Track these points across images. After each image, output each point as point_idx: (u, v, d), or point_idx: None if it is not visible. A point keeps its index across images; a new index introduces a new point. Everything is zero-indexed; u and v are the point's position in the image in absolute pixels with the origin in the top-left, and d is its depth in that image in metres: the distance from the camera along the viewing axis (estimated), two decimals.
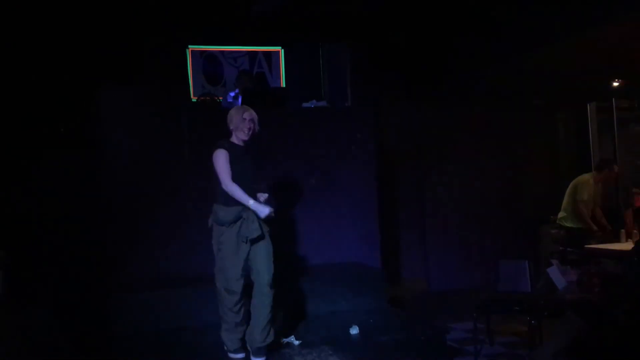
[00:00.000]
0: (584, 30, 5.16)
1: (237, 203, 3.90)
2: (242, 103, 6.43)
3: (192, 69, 7.44)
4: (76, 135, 6.03)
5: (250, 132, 4.04)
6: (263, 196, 4.06)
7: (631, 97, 7.90)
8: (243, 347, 4.08)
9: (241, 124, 4.01)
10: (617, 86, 7.19)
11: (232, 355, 4.08)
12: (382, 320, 4.89)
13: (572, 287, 4.40)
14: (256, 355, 3.99)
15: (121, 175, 5.50)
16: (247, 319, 4.04)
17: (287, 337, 4.34)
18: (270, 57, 7.74)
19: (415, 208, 7.80)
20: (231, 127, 4.07)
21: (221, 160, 3.93)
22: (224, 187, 3.91)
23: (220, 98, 6.68)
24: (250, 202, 3.89)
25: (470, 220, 7.73)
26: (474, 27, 6.22)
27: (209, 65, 7.53)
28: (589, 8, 4.91)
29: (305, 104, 6.30)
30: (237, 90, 6.67)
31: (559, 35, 5.44)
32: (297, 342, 4.24)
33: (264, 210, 3.90)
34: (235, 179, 3.92)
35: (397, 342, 4.34)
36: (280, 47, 7.74)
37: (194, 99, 7.15)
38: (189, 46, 7.43)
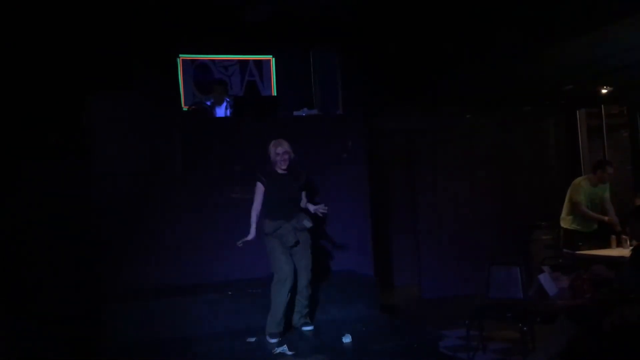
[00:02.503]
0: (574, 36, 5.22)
1: (279, 218, 4.73)
2: (234, 112, 6.45)
3: (183, 78, 7.44)
4: (67, 143, 6.00)
5: (287, 162, 4.77)
6: (305, 219, 4.78)
7: (620, 103, 7.98)
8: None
9: (277, 158, 4.76)
10: (606, 92, 7.26)
11: (268, 339, 4.61)
12: (375, 328, 4.88)
13: (564, 293, 4.41)
14: (306, 326, 4.86)
15: (112, 183, 5.48)
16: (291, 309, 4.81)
17: (280, 346, 4.32)
18: (261, 65, 7.76)
19: (407, 215, 7.82)
20: (271, 160, 4.79)
21: (257, 193, 4.77)
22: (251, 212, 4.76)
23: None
24: (251, 229, 4.72)
25: (462, 227, 7.74)
26: (464, 33, 6.26)
27: (200, 74, 7.53)
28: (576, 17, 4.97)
29: (296, 112, 6.31)
30: (227, 99, 6.67)
31: (548, 41, 5.49)
32: (290, 352, 4.23)
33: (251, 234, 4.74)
34: (274, 201, 4.74)
35: (390, 349, 4.33)
36: (271, 56, 7.76)
37: (185, 108, 7.15)
38: (180, 55, 7.44)
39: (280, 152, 4.73)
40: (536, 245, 7.63)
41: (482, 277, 5.13)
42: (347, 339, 4.47)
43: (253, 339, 4.63)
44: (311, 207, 4.87)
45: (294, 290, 4.73)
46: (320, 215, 4.85)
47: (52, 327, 4.93)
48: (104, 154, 5.52)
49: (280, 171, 4.79)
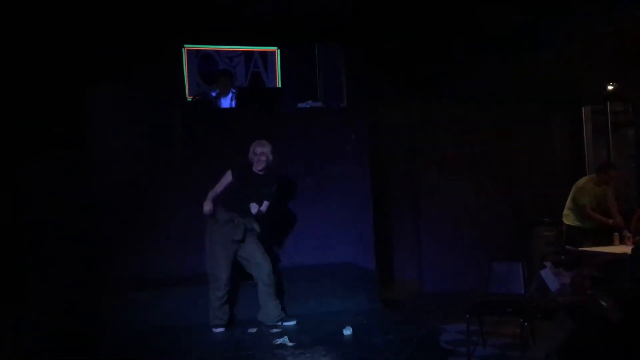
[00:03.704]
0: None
1: (234, 210, 4.70)
2: (238, 103, 6.44)
3: (188, 69, 7.43)
4: (69, 134, 6.00)
5: (263, 163, 4.75)
6: (254, 207, 4.72)
7: (625, 100, 7.94)
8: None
9: (253, 157, 4.75)
10: (612, 89, 7.22)
11: (213, 329, 4.70)
12: (376, 321, 4.89)
13: (565, 289, 4.41)
14: (285, 321, 4.79)
15: (114, 174, 5.49)
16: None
17: (280, 337, 4.34)
18: (266, 57, 7.74)
19: (409, 209, 7.81)
20: (249, 158, 4.78)
21: (222, 181, 4.75)
22: (208, 195, 4.70)
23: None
24: (207, 205, 4.68)
25: (463, 222, 7.73)
26: (469, 28, 6.24)
27: (205, 64, 7.51)
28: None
29: (300, 104, 6.30)
30: (233, 90, 6.66)
31: (551, 39, 5.47)
32: (290, 344, 4.24)
33: (254, 208, 4.70)
34: (237, 195, 4.71)
35: (390, 343, 4.34)
36: (276, 47, 7.74)
37: (189, 99, 7.14)
38: (185, 45, 7.42)
39: (257, 152, 4.75)
40: (538, 242, 7.62)
41: (483, 272, 5.13)
42: (347, 332, 4.48)
43: (254, 330, 4.65)
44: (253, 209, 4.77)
45: (256, 288, 4.79)
46: (252, 210, 4.72)
47: (51, 319, 4.95)
48: (105, 145, 5.53)
49: (255, 170, 4.79)
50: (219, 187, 4.75)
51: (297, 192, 5.83)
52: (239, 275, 5.39)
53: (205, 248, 4.80)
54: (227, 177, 4.76)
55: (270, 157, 4.78)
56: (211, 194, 4.71)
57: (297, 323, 4.81)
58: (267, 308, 4.79)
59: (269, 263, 4.80)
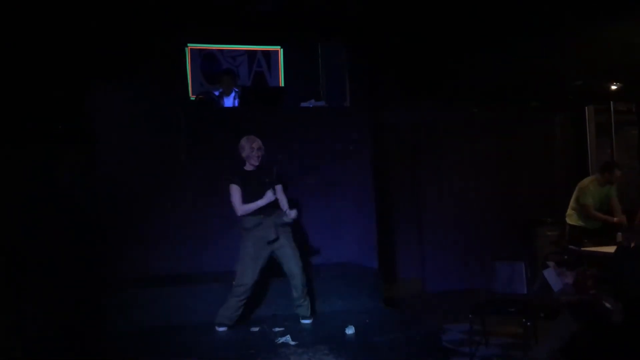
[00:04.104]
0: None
1: (258, 213, 4.71)
2: (241, 102, 6.44)
3: (191, 68, 7.43)
4: (72, 132, 6.01)
5: (261, 158, 4.79)
6: (268, 194, 4.67)
7: (629, 100, 7.92)
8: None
9: (252, 153, 4.75)
10: (615, 89, 7.21)
11: (217, 327, 4.73)
12: (378, 321, 4.89)
13: (568, 288, 4.41)
14: (304, 319, 4.87)
15: (117, 172, 5.50)
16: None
17: (283, 336, 4.34)
18: (269, 56, 7.74)
19: (411, 208, 7.80)
20: (243, 155, 4.78)
21: (234, 196, 4.74)
22: (238, 214, 4.73)
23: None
24: (259, 203, 4.66)
25: (466, 221, 7.73)
26: (471, 28, 6.23)
27: (208, 64, 7.52)
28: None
29: (303, 104, 6.31)
30: (236, 90, 6.67)
31: (558, 36, 5.46)
32: (293, 343, 4.24)
33: (290, 213, 4.70)
34: (249, 200, 4.68)
35: (393, 342, 4.34)
36: (279, 47, 7.74)
37: (192, 98, 7.15)
38: (188, 44, 7.43)
39: (255, 147, 4.74)
40: (541, 241, 7.61)
41: (486, 271, 5.13)
42: (350, 331, 4.49)
43: (256, 329, 4.66)
44: (283, 206, 4.79)
45: (288, 284, 4.79)
46: (287, 219, 4.74)
47: (52, 317, 4.96)
48: (107, 143, 5.54)
49: (249, 168, 4.80)
50: (238, 202, 4.72)
51: (299, 191, 5.82)
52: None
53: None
54: (235, 189, 4.73)
55: (263, 151, 4.81)
56: (242, 211, 4.69)
57: (297, 322, 4.84)
58: (297, 307, 4.87)
59: (299, 264, 4.78)
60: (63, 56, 6.19)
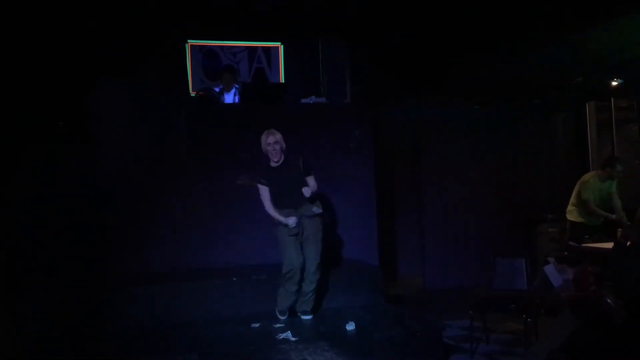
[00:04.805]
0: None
1: (285, 207, 4.74)
2: (241, 99, 6.44)
3: (191, 64, 7.43)
4: (74, 130, 6.00)
5: (279, 153, 4.71)
6: (307, 191, 4.67)
7: (630, 97, 7.91)
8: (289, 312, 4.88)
9: (268, 148, 4.70)
10: (616, 86, 7.20)
11: (279, 315, 4.86)
12: (379, 317, 4.89)
13: (568, 285, 4.41)
14: (304, 315, 4.89)
15: (118, 169, 5.50)
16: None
17: (283, 332, 4.35)
18: (269, 52, 7.74)
19: (412, 206, 7.80)
20: (264, 151, 4.73)
21: (262, 195, 4.77)
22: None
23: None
24: (281, 219, 4.71)
25: (467, 218, 7.73)
26: (473, 23, 6.21)
27: (208, 60, 7.51)
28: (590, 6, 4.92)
29: (304, 100, 6.30)
30: (236, 86, 6.67)
31: (559, 34, 5.45)
32: (294, 339, 4.25)
33: (287, 221, 4.70)
34: (277, 195, 4.72)
35: (393, 338, 4.34)
36: (279, 43, 7.73)
37: (192, 94, 7.14)
38: (188, 41, 7.42)
39: (271, 141, 4.68)
40: (542, 238, 7.62)
41: (486, 268, 5.13)
42: (350, 327, 4.49)
43: (257, 325, 4.66)
44: (305, 191, 4.74)
45: (302, 278, 4.78)
46: (307, 195, 4.70)
47: (53, 314, 4.96)
48: (108, 140, 5.53)
49: (274, 164, 4.75)
50: (267, 202, 4.75)
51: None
52: (242, 268, 5.42)
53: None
54: (262, 190, 4.75)
55: (284, 145, 4.73)
56: (272, 211, 4.74)
57: (298, 318, 4.85)
58: (299, 301, 4.86)
59: (317, 260, 4.75)
60: (64, 55, 6.19)
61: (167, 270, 5.42)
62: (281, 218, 4.71)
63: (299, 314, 4.90)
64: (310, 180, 4.77)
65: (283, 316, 4.85)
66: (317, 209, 4.75)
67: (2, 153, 5.61)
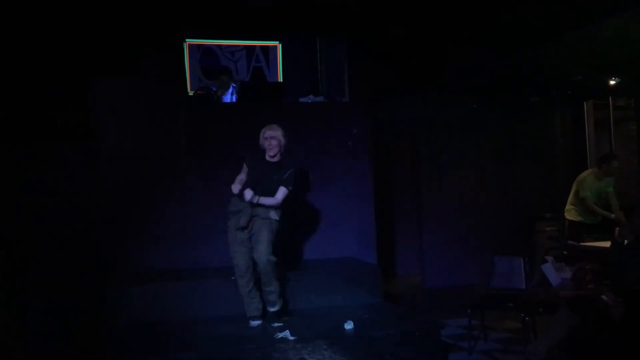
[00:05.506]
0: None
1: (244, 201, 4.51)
2: (239, 97, 6.44)
3: (189, 63, 7.42)
4: (72, 129, 6.00)
5: (275, 148, 4.56)
6: (248, 193, 4.49)
7: (628, 95, 7.92)
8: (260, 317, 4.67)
9: (264, 142, 4.58)
10: (614, 84, 7.21)
11: (250, 321, 4.65)
12: (377, 316, 4.89)
13: (566, 283, 4.41)
14: (271, 320, 4.63)
15: (117, 168, 5.50)
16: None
17: (282, 331, 4.34)
18: (267, 51, 7.73)
19: (410, 204, 7.82)
20: (260, 144, 4.62)
21: (243, 167, 4.64)
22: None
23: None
24: (238, 189, 4.51)
25: (465, 217, 7.74)
26: (472, 22, 6.21)
27: (206, 59, 7.50)
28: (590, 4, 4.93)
29: (302, 99, 6.30)
30: (234, 85, 6.66)
31: (557, 31, 5.45)
32: (292, 338, 4.25)
33: (245, 193, 4.48)
34: (250, 185, 4.51)
35: (392, 337, 4.34)
36: (277, 42, 7.72)
37: (190, 93, 7.13)
38: (187, 40, 7.41)
39: (267, 135, 4.55)
40: (540, 236, 7.63)
41: (484, 267, 5.14)
42: (349, 326, 4.49)
43: (256, 323, 4.66)
44: (262, 200, 4.54)
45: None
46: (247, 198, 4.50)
47: (55, 310, 4.96)
48: (110, 137, 5.54)
49: (268, 158, 4.61)
50: (242, 174, 4.64)
51: (298, 186, 5.82)
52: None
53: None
54: (243, 167, 4.66)
55: (283, 142, 4.59)
56: (237, 178, 4.60)
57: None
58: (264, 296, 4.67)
59: (267, 262, 4.50)
60: (64, 52, 6.18)
61: (167, 267, 5.42)
62: (239, 187, 4.50)
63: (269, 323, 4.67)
64: (279, 192, 4.56)
65: (254, 322, 4.63)
66: (273, 215, 4.58)
67: (3, 149, 5.61)
